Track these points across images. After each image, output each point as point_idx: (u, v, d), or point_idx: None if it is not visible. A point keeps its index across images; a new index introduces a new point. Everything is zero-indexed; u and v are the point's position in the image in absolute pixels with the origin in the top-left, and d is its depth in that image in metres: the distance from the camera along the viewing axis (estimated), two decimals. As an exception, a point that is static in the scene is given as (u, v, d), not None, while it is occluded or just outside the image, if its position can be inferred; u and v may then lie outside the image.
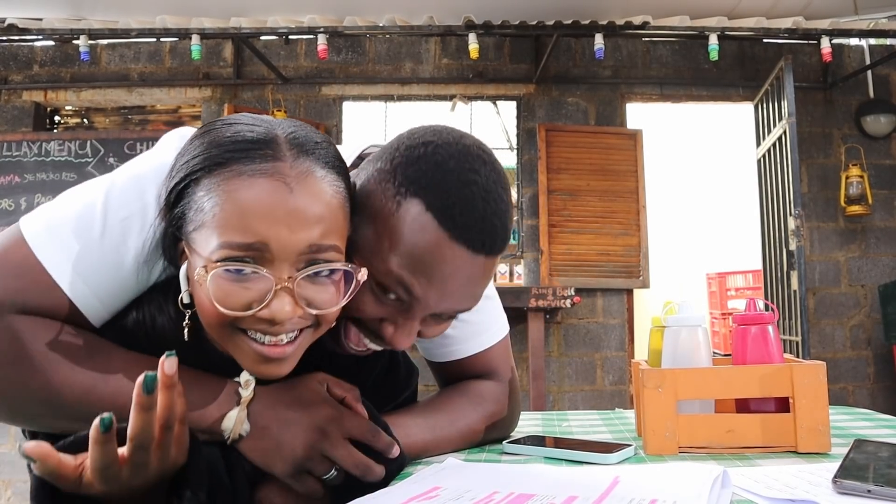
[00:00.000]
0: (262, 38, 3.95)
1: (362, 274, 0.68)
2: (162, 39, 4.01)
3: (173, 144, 0.73)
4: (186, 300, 0.67)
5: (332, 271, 0.66)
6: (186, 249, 0.66)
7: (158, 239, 0.69)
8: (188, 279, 0.67)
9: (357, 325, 0.77)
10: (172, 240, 0.68)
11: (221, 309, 0.62)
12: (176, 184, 0.65)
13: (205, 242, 0.62)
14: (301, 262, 0.64)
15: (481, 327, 0.97)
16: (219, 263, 0.61)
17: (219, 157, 0.63)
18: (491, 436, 0.94)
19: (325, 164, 0.67)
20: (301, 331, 0.67)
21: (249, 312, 0.62)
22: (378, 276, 0.72)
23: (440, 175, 0.69)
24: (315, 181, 0.65)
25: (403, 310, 0.74)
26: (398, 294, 0.72)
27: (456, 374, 1.00)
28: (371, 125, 4.14)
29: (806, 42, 3.86)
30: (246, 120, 0.68)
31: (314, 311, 0.65)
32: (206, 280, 0.61)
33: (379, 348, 0.79)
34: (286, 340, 0.66)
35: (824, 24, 3.43)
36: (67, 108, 4.23)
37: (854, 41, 4.01)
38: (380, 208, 0.71)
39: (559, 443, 0.89)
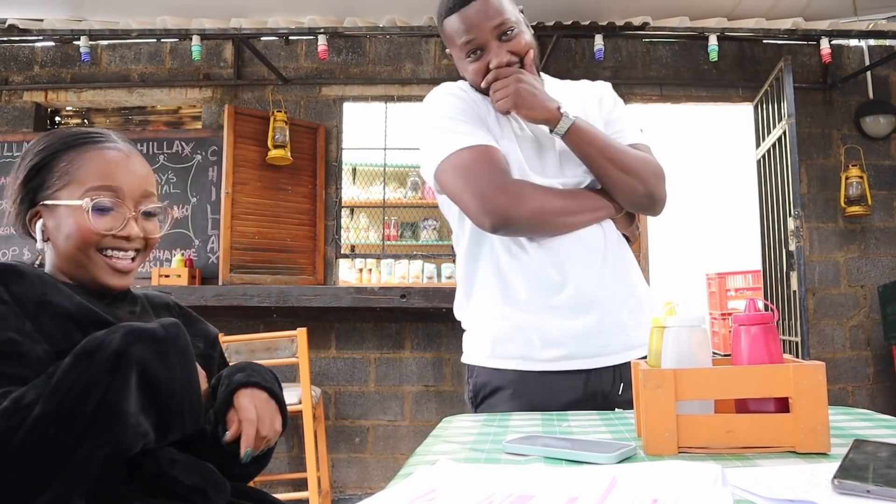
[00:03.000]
0: (263, 38, 3.95)
1: (175, 212, 1.01)
2: (162, 40, 4.01)
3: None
4: (40, 246, 0.99)
5: (156, 213, 1.04)
6: (43, 209, 0.97)
7: (17, 211, 1.00)
8: (43, 232, 0.98)
9: (482, 89, 1.30)
10: (28, 205, 0.98)
11: (95, 229, 0.94)
12: (36, 163, 0.98)
13: (73, 192, 0.95)
14: (139, 202, 1.00)
15: (637, 129, 1.40)
16: (93, 196, 0.94)
17: (72, 142, 0.99)
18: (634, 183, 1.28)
19: (137, 152, 1.05)
20: (137, 252, 1.01)
21: (113, 232, 0.97)
22: (460, 57, 1.30)
23: None
24: (138, 157, 1.03)
25: (478, 57, 1.28)
26: (469, 49, 1.27)
27: None
28: (371, 126, 4.14)
29: (805, 43, 3.86)
30: (78, 129, 1.04)
31: (149, 236, 1.02)
32: (86, 212, 0.94)
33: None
34: (130, 259, 1.00)
35: (824, 24, 3.43)
36: (68, 108, 4.24)
37: (853, 42, 4.01)
38: None
39: (559, 443, 0.89)
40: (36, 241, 0.99)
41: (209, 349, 1.15)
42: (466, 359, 1.36)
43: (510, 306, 1.28)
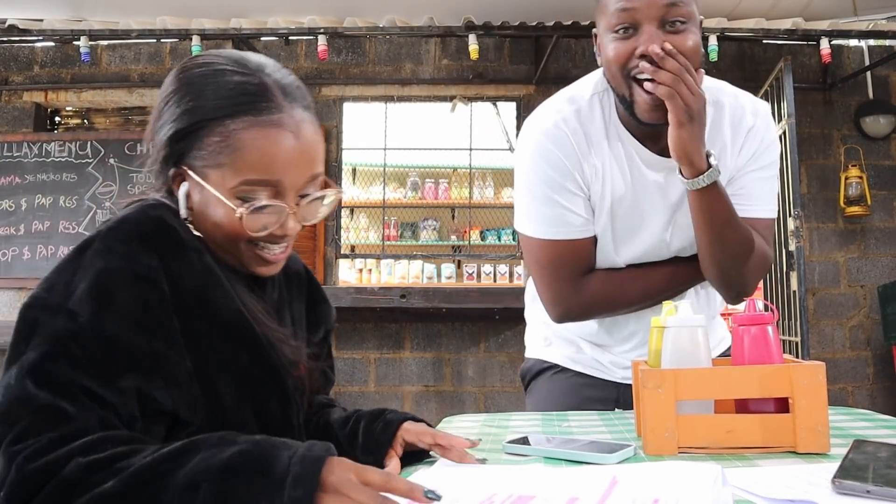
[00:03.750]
0: (263, 38, 3.95)
1: (340, 193, 0.87)
2: (162, 40, 4.01)
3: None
4: (185, 215, 0.79)
5: (320, 198, 0.83)
6: (188, 177, 0.78)
7: (159, 164, 0.81)
8: (187, 197, 0.79)
9: (640, 85, 1.02)
10: (171, 162, 0.79)
11: (247, 231, 0.77)
12: (182, 128, 0.77)
13: (225, 179, 0.76)
14: (302, 188, 0.80)
15: (772, 197, 1.20)
16: (248, 194, 0.76)
17: (227, 109, 0.76)
18: (741, 265, 1.12)
19: (306, 107, 0.82)
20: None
21: (267, 232, 0.78)
22: (605, 28, 1.05)
23: None
24: (307, 126, 0.80)
25: (626, 35, 1.02)
26: (620, 22, 1.02)
27: None
28: (371, 126, 4.15)
29: (805, 43, 3.86)
30: (233, 67, 0.80)
31: (308, 224, 0.83)
32: (239, 216, 0.75)
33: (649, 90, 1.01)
34: (283, 248, 0.83)
35: (824, 25, 3.43)
36: (68, 108, 4.24)
37: (853, 42, 4.01)
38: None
39: (559, 443, 0.89)
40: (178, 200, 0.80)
41: (325, 338, 1.01)
42: (527, 353, 1.44)
43: (573, 331, 1.31)
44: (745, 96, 1.20)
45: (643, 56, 1.00)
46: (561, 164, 1.13)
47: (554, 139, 1.14)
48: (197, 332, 0.73)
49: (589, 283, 1.17)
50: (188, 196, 0.79)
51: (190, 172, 0.77)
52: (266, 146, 0.75)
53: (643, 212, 1.17)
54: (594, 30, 1.12)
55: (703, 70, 1.06)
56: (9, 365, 0.65)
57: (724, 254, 1.11)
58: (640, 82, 1.03)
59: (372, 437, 0.89)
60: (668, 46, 0.98)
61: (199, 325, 0.73)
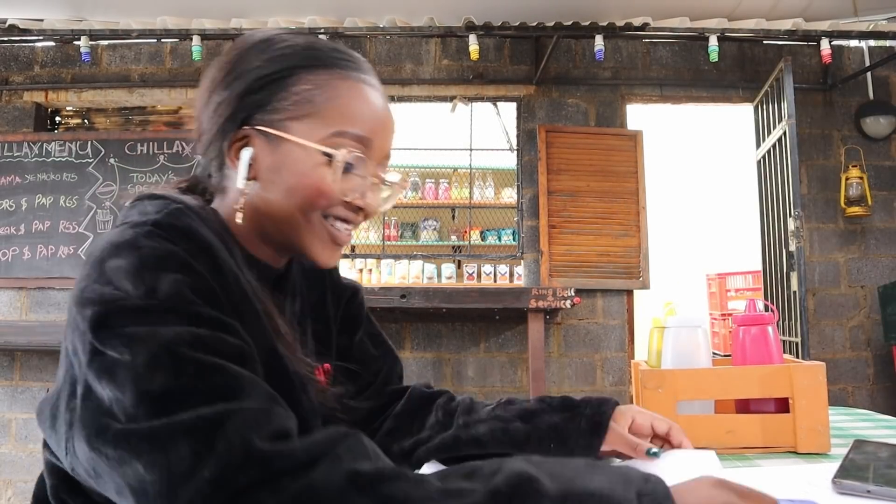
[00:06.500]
0: (263, 38, 3.95)
1: (404, 179, 0.78)
2: (163, 40, 4.01)
3: None
4: (242, 185, 0.68)
5: (391, 184, 0.75)
6: (258, 137, 0.68)
7: (216, 130, 0.70)
8: (249, 165, 0.68)
9: None
10: (234, 124, 0.69)
11: (336, 190, 0.67)
12: (266, 74, 0.68)
13: (314, 129, 0.67)
14: (380, 165, 0.72)
15: None
16: (346, 145, 0.67)
17: (326, 59, 0.70)
18: None
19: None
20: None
21: (349, 198, 0.69)
22: None
23: None
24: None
25: None
26: None
27: None
28: (371, 126, 4.14)
29: (806, 43, 3.86)
30: (329, 43, 0.75)
31: (381, 207, 0.74)
32: (337, 165, 0.67)
33: None
34: (349, 230, 0.73)
35: (824, 25, 3.43)
36: (68, 108, 4.24)
37: (854, 43, 4.01)
38: None
39: (559, 443, 0.89)
40: (235, 172, 0.69)
41: (353, 334, 0.92)
42: None
43: None
44: None
45: None
46: None
47: None
48: None
49: None
50: (252, 164, 0.68)
51: (264, 128, 0.67)
52: (362, 100, 0.69)
53: None
54: None
55: None
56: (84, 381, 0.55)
57: None
58: None
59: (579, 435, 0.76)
60: None
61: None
